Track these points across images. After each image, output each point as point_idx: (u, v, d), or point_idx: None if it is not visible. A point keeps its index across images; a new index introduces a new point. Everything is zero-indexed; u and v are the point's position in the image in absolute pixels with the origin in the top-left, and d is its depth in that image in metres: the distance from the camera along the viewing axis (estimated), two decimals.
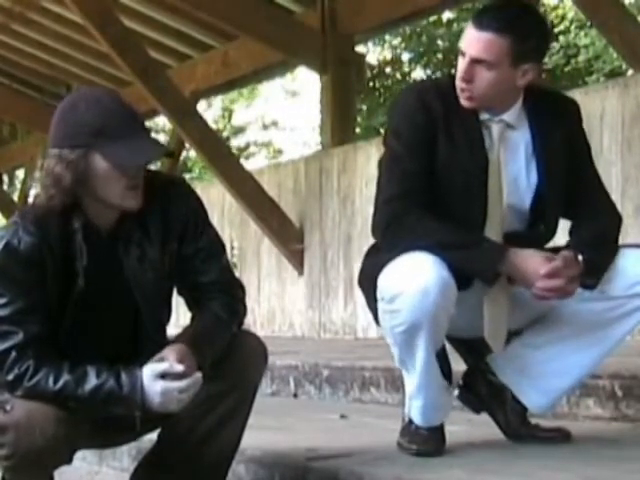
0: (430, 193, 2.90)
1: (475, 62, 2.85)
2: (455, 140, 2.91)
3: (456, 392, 3.14)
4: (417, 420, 2.99)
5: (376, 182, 3.00)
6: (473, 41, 2.85)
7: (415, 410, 2.99)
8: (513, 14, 2.88)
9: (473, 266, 2.83)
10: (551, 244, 3.04)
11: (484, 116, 2.95)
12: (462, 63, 2.88)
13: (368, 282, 2.96)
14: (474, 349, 3.12)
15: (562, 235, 3.03)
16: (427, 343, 2.82)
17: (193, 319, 2.77)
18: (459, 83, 2.90)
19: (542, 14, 2.90)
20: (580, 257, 2.82)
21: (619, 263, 2.91)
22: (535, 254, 2.83)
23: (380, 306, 2.86)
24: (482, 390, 3.12)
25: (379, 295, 2.85)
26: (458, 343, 3.13)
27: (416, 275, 2.75)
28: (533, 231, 2.97)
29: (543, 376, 3.03)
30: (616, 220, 3.05)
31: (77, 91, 2.77)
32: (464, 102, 2.91)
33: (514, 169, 2.96)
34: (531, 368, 3.04)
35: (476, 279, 2.88)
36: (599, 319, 2.94)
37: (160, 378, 2.54)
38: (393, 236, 2.88)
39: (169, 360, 2.55)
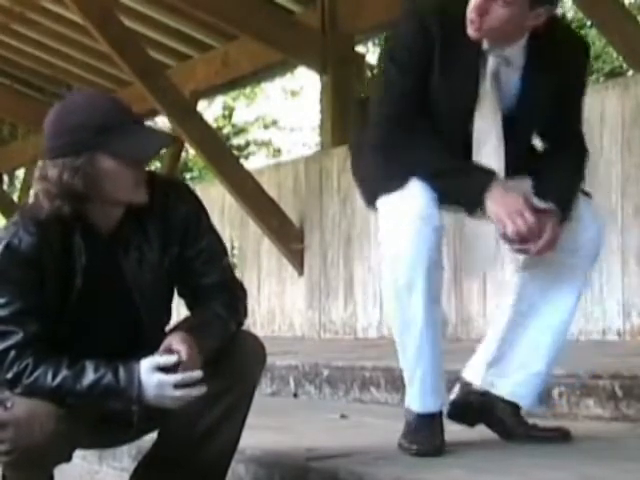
0: (422, 115, 2.93)
1: None
2: (449, 67, 2.92)
3: (446, 410, 3.11)
4: (415, 406, 2.97)
5: (370, 100, 3.06)
6: None
7: (412, 396, 2.97)
8: None
9: (461, 193, 2.87)
10: None
11: (485, 47, 2.94)
12: None
13: (366, 181, 3.04)
14: None
15: None
16: (424, 297, 2.84)
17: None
18: (470, 14, 2.87)
19: None
20: (551, 205, 2.83)
21: (575, 215, 2.92)
22: (515, 196, 2.81)
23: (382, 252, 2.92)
24: (472, 402, 3.12)
25: (380, 238, 2.92)
26: None
27: (411, 231, 2.81)
28: None
29: (518, 368, 3.05)
30: (584, 153, 3.06)
31: (66, 98, 2.71)
32: (471, 32, 2.90)
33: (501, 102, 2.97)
34: (505, 366, 3.06)
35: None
36: (549, 284, 2.98)
37: (158, 370, 2.55)
38: (385, 159, 2.94)
39: (179, 352, 2.55)
